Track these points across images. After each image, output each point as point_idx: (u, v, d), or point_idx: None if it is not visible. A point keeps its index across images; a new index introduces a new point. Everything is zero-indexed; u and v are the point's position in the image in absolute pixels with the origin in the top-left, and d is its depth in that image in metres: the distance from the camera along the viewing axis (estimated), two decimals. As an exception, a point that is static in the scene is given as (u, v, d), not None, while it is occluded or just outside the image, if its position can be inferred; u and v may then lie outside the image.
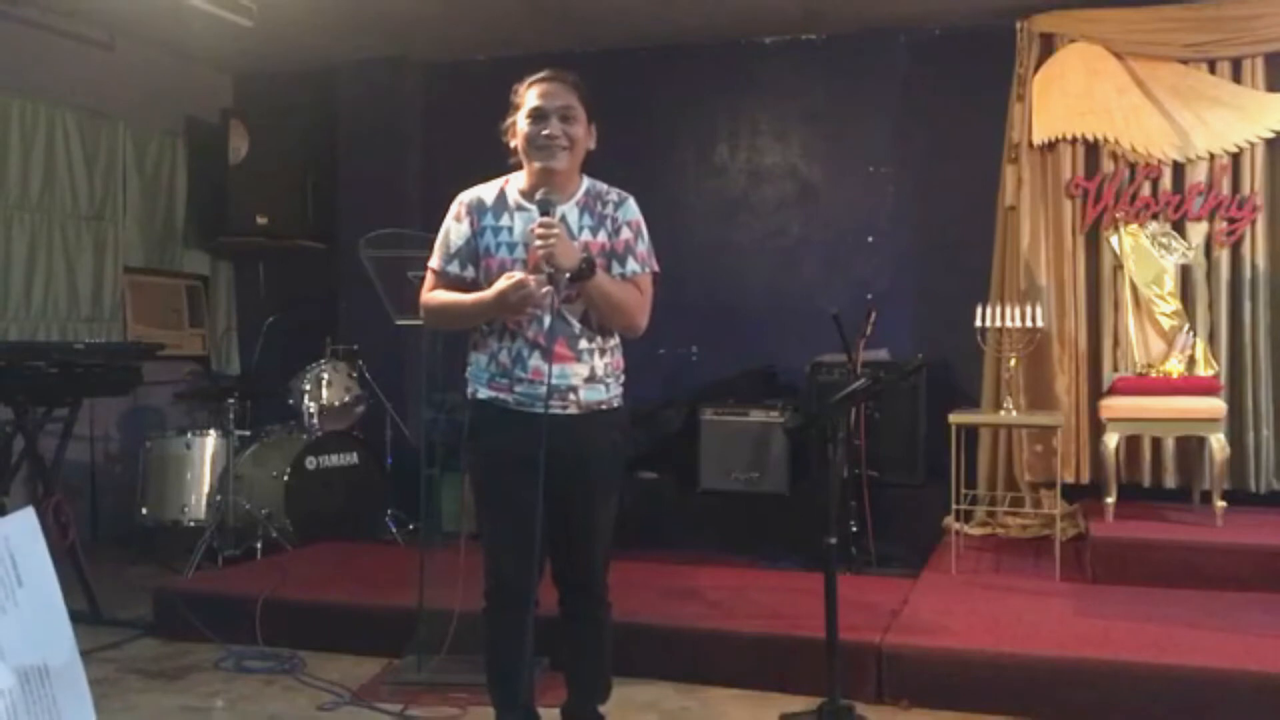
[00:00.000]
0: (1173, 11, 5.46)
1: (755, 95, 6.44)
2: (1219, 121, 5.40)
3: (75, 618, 1.25)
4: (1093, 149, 5.61)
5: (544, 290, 2.59)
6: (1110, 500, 4.85)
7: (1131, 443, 5.34)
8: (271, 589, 4.26)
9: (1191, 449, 5.27)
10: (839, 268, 6.23)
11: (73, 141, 6.09)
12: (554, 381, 2.62)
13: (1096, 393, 5.43)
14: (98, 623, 4.36)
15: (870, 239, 6.23)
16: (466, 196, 2.80)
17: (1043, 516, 5.30)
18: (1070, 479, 5.45)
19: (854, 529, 4.90)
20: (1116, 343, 5.46)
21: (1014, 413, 5.02)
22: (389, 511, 5.85)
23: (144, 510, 5.73)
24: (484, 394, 2.74)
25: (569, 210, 2.71)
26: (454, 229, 2.77)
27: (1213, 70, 5.46)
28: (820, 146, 6.36)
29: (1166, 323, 5.15)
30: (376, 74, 6.73)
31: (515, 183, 2.78)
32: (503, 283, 2.59)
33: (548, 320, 2.64)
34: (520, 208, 2.73)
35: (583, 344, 2.70)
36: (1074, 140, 5.61)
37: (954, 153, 5.98)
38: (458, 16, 6.02)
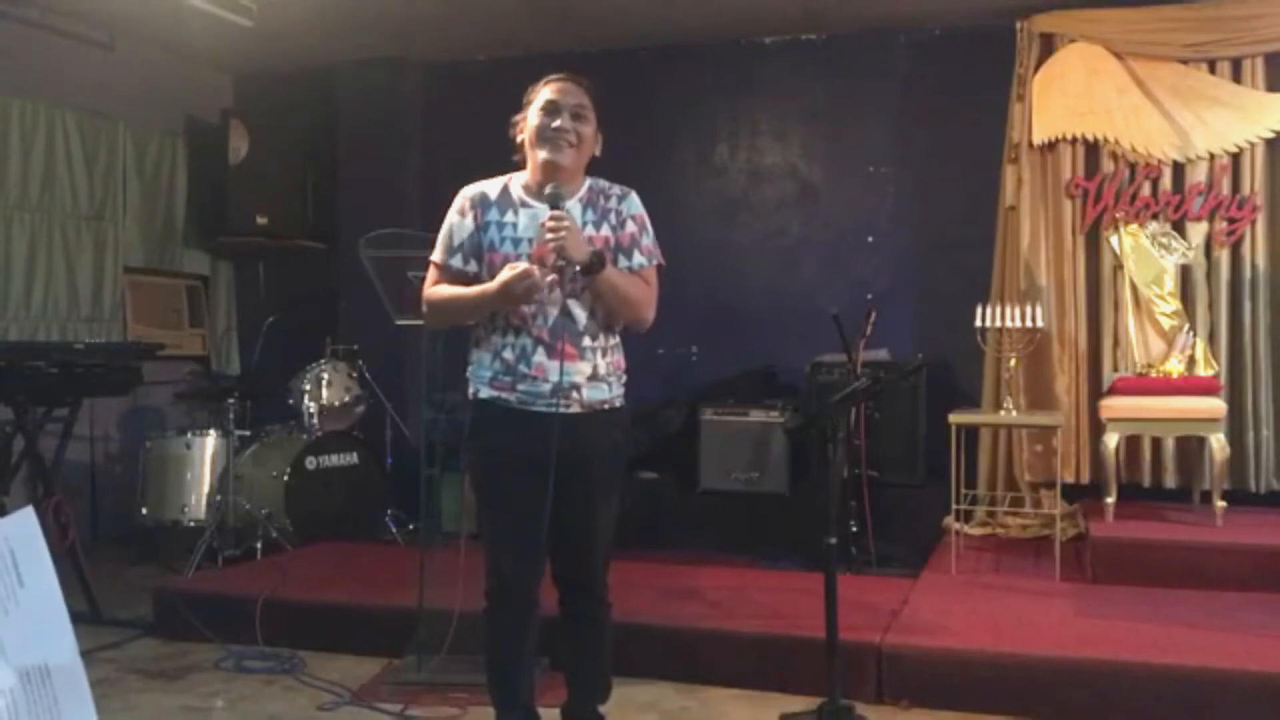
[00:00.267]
0: (1173, 11, 5.46)
1: (755, 95, 6.44)
2: (1219, 121, 5.40)
3: (75, 618, 1.25)
4: (1093, 149, 5.61)
5: (548, 279, 2.59)
6: (1110, 500, 4.85)
7: (1131, 443, 5.34)
8: (271, 589, 4.26)
9: (1191, 449, 5.27)
10: (839, 268, 6.23)
11: (73, 142, 6.09)
12: (558, 381, 2.63)
13: (1096, 393, 5.43)
14: (98, 623, 4.36)
15: (870, 239, 6.24)
16: (470, 191, 2.79)
17: (1043, 516, 5.30)
18: (1070, 479, 5.45)
19: (854, 529, 4.90)
20: (1116, 343, 5.46)
21: (1014, 413, 5.02)
22: (389, 511, 5.85)
23: (144, 510, 5.73)
24: (485, 394, 2.73)
25: (573, 206, 2.71)
26: (457, 223, 2.77)
27: (1213, 70, 5.46)
28: (820, 146, 6.36)
29: (1166, 323, 5.15)
30: (376, 74, 6.73)
31: (519, 179, 2.79)
32: (506, 272, 2.58)
33: (553, 316, 2.65)
34: (524, 204, 2.73)
35: (586, 341, 2.70)
36: (1074, 140, 5.61)
37: (954, 153, 5.99)
38: (458, 16, 6.02)
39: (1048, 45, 5.68)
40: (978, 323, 4.94)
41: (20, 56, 5.75)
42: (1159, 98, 5.48)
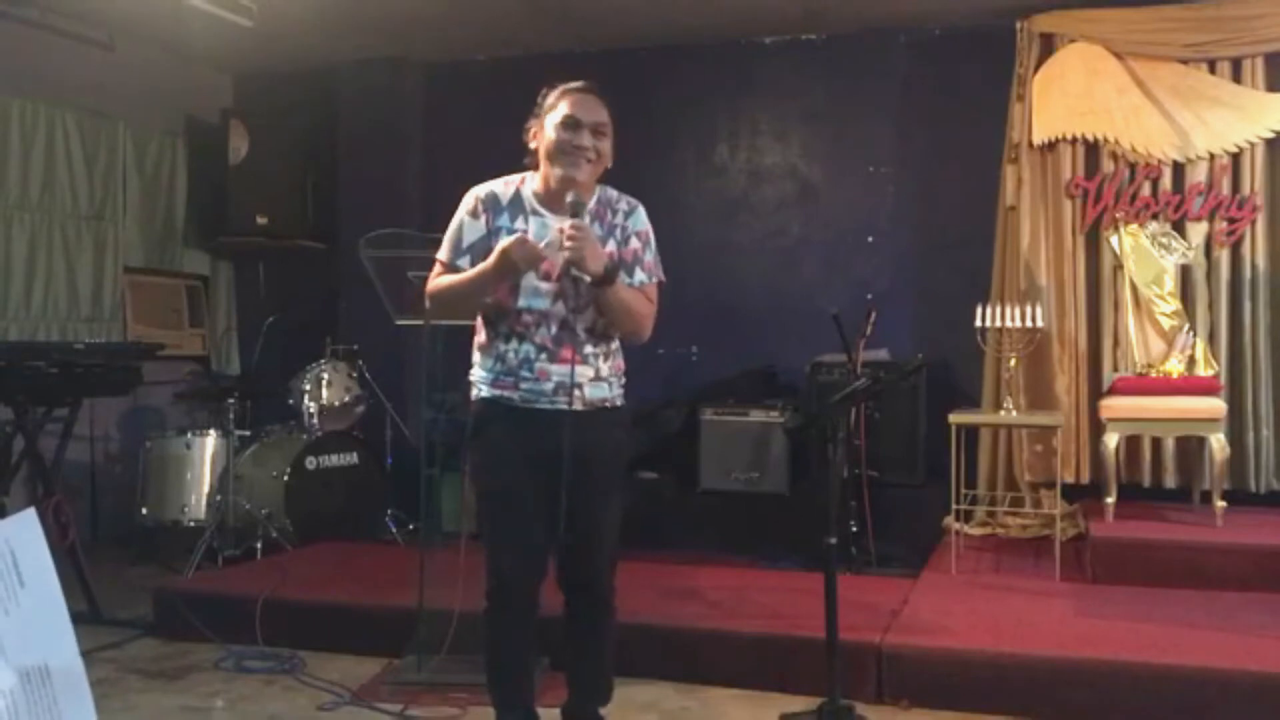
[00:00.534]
0: (1173, 11, 5.46)
1: (755, 95, 6.44)
2: (1219, 121, 5.40)
3: (75, 618, 1.25)
4: (1093, 149, 5.61)
5: (543, 244, 2.60)
6: (1110, 500, 4.85)
7: (1131, 443, 5.34)
8: (271, 589, 4.26)
9: (1191, 449, 5.27)
10: (839, 268, 6.23)
11: (73, 141, 6.09)
12: (561, 379, 2.64)
13: (1096, 393, 5.43)
14: (98, 623, 4.36)
15: (870, 239, 6.23)
16: (481, 191, 2.77)
17: (1043, 516, 5.30)
18: (1070, 479, 5.45)
19: (854, 529, 4.90)
20: (1116, 343, 5.46)
21: (1014, 413, 5.02)
22: (389, 511, 5.85)
23: (144, 510, 5.73)
24: (488, 393, 2.74)
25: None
26: (468, 224, 2.75)
27: (1213, 70, 5.46)
28: (820, 146, 6.36)
29: (1166, 323, 5.15)
30: (376, 74, 6.73)
31: (530, 184, 2.77)
32: (504, 241, 2.59)
33: (555, 327, 2.66)
34: (535, 211, 2.73)
35: (588, 349, 2.72)
36: (1074, 140, 5.61)
37: (954, 153, 5.99)
38: (458, 16, 6.02)
39: (1048, 45, 5.68)
40: (978, 323, 4.94)
41: (20, 56, 5.75)
42: (1159, 98, 5.48)
